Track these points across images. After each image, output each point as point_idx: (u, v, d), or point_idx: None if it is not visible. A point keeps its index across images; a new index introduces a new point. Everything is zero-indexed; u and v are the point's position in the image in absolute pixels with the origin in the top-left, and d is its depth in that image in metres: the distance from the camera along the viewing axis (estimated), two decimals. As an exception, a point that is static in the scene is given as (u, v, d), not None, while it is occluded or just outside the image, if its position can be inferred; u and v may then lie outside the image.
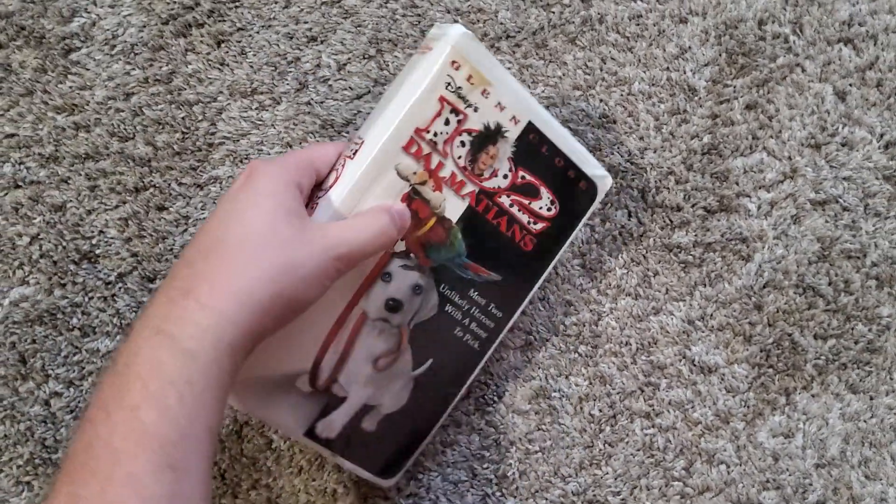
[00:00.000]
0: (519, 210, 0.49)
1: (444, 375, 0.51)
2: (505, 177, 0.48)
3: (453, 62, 0.45)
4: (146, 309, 0.37)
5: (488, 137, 0.47)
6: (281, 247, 0.38)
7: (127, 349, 0.36)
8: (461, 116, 0.46)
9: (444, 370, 0.50)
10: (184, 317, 0.35)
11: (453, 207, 0.47)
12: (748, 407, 0.56)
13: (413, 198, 0.46)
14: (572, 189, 0.51)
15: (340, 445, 0.49)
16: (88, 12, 0.58)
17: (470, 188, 0.47)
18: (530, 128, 0.48)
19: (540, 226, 0.50)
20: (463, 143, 0.46)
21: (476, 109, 0.46)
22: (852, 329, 0.57)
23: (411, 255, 0.47)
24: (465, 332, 0.50)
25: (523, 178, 0.49)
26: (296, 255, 0.38)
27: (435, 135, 0.45)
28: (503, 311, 0.51)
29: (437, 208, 0.47)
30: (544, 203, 0.50)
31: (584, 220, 0.52)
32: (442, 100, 0.45)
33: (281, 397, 0.46)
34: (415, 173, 0.45)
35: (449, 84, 0.45)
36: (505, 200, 0.49)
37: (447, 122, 0.45)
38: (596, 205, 0.52)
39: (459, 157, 0.46)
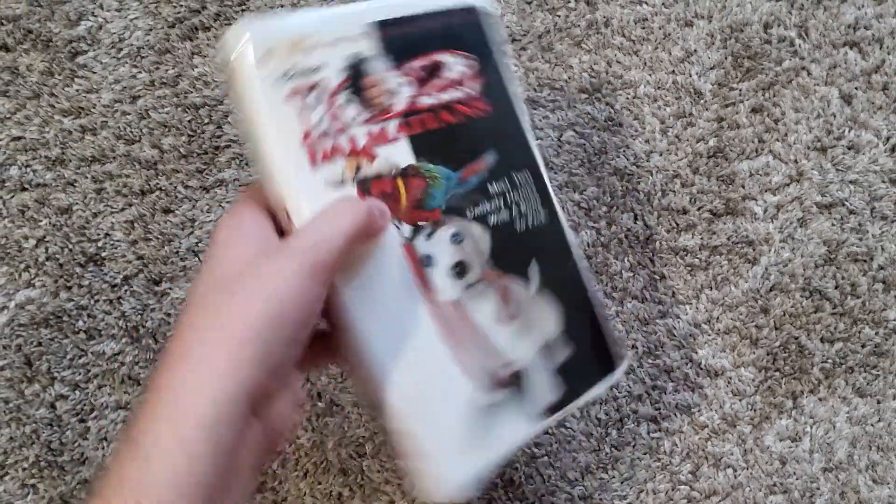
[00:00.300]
0: (446, 92, 0.44)
1: (553, 262, 0.46)
2: (404, 85, 0.43)
3: (264, 57, 0.39)
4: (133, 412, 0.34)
5: (356, 75, 0.41)
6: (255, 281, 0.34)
7: (110, 462, 0.32)
8: (318, 87, 0.40)
9: (547, 259, 0.46)
10: (154, 428, 0.32)
11: (401, 153, 0.42)
12: (755, 410, 0.56)
13: (367, 187, 0.41)
14: (467, 31, 0.46)
15: (567, 392, 0.45)
16: (95, 16, 0.58)
17: (393, 125, 0.42)
18: (380, 26, 0.43)
19: (477, 84, 0.45)
20: (344, 104, 0.41)
21: (320, 69, 0.40)
22: (859, 332, 0.57)
23: (419, 224, 0.42)
24: (522, 219, 0.45)
25: (419, 68, 0.44)
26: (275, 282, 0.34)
27: (320, 124, 0.40)
28: (526, 165, 0.46)
29: (389, 173, 0.41)
30: (457, 66, 0.45)
31: (503, 44, 0.47)
32: (292, 94, 0.39)
33: (495, 424, 0.42)
34: (344, 171, 0.40)
35: (282, 76, 0.39)
36: (427, 100, 0.43)
37: (315, 104, 0.40)
38: (496, 22, 0.47)
39: (356, 116, 0.41)
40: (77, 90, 0.57)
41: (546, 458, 0.55)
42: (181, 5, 0.58)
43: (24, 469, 0.54)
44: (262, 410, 0.35)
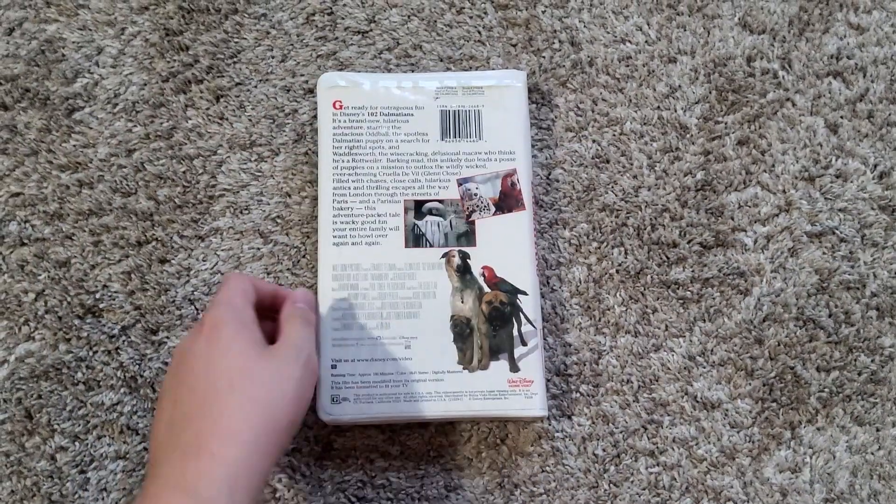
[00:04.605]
0: None
1: None
2: None
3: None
4: (159, 468, 0.40)
5: None
6: (261, 383, 0.43)
7: None
8: None
9: None
10: (201, 471, 0.39)
11: None
12: (753, 442, 0.56)
13: None
14: None
15: None
16: (91, 73, 0.59)
17: None
18: None
19: None
20: None
21: None
22: (855, 360, 0.57)
23: None
24: None
25: None
26: (278, 384, 0.43)
27: None
28: None
29: None
30: None
31: None
32: None
33: None
34: None
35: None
36: None
37: None
38: None
39: None
40: (74, 145, 0.58)
41: (544, 496, 0.55)
42: (175, 60, 0.60)
43: (25, 522, 0.54)
44: None
